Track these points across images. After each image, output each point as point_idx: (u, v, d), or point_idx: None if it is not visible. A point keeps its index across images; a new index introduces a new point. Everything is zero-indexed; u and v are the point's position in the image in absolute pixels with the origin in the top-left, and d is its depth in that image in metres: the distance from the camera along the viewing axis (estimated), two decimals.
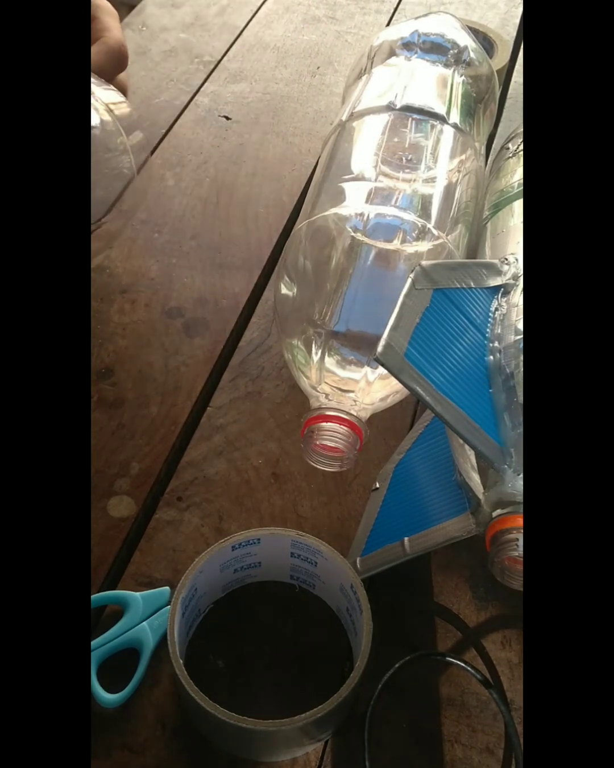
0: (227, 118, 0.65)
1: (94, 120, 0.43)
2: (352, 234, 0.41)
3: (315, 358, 0.39)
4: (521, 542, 0.29)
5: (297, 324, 0.41)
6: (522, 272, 0.38)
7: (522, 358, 0.33)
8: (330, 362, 0.39)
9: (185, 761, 0.34)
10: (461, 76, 0.51)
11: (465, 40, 0.53)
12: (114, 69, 0.47)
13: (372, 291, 0.40)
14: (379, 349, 0.28)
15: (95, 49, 0.46)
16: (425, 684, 0.36)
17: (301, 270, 0.42)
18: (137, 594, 0.37)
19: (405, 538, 0.35)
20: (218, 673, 0.36)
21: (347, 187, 0.43)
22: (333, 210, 0.42)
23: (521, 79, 0.70)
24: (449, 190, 0.44)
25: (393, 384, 0.40)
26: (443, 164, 0.46)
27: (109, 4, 0.49)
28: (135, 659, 0.35)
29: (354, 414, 0.38)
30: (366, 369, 0.39)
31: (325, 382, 0.39)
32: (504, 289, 0.37)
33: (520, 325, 0.34)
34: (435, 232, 0.41)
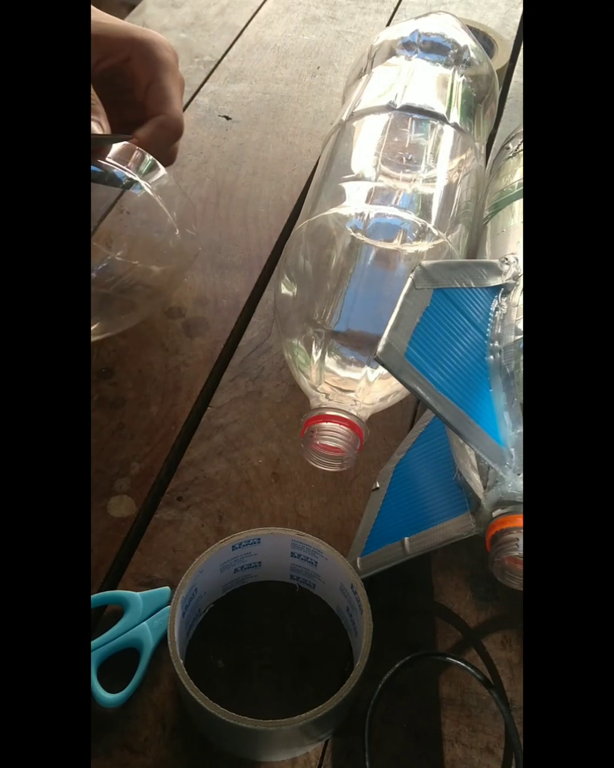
0: (227, 118, 0.65)
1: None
2: (352, 234, 0.41)
3: (316, 357, 0.39)
4: (521, 542, 0.29)
5: (297, 324, 0.41)
6: (522, 272, 0.38)
7: (522, 358, 0.33)
8: (330, 362, 0.39)
9: (185, 761, 0.34)
10: (461, 75, 0.51)
11: (466, 39, 0.53)
12: (169, 143, 0.48)
13: (372, 291, 0.40)
14: (379, 348, 0.28)
15: (153, 128, 0.47)
16: (425, 684, 0.36)
17: (301, 270, 0.42)
18: (137, 594, 0.37)
19: (405, 538, 0.35)
20: (218, 673, 0.36)
21: (347, 186, 0.43)
22: (334, 210, 0.42)
23: (521, 79, 0.70)
24: (449, 190, 0.44)
25: (394, 384, 0.40)
26: (443, 164, 0.46)
27: (176, 74, 0.49)
28: (135, 659, 0.35)
29: (355, 414, 0.38)
30: (367, 369, 0.39)
31: (325, 382, 0.39)
32: (504, 289, 0.37)
33: (520, 325, 0.34)
34: (435, 231, 0.41)
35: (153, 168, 0.45)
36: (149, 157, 0.45)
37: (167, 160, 0.49)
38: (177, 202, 0.45)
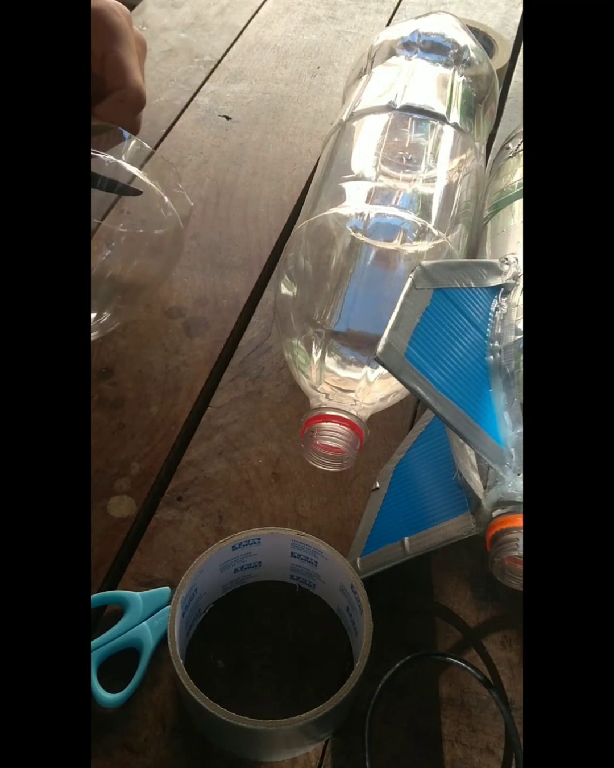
0: (227, 117, 0.65)
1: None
2: (352, 234, 0.41)
3: (316, 357, 0.39)
4: (521, 542, 0.29)
5: (297, 324, 0.41)
6: (522, 272, 0.38)
7: (522, 358, 0.33)
8: (330, 362, 0.39)
9: (185, 761, 0.34)
10: (461, 75, 0.51)
11: (466, 39, 0.53)
12: (132, 115, 0.47)
13: (372, 291, 0.40)
14: (379, 348, 0.28)
15: (112, 103, 0.46)
16: (425, 684, 0.36)
17: (301, 270, 0.42)
18: (137, 594, 0.37)
19: (405, 538, 0.35)
20: (218, 673, 0.36)
21: (347, 186, 0.43)
22: (334, 210, 0.42)
23: (521, 79, 0.70)
24: (449, 190, 0.44)
25: (394, 384, 0.40)
26: (443, 164, 0.46)
27: (136, 35, 0.48)
28: (135, 659, 0.35)
29: (355, 414, 0.38)
30: (367, 369, 0.39)
31: (326, 382, 0.39)
32: (504, 289, 0.37)
33: (520, 325, 0.34)
34: (435, 231, 0.41)
35: (122, 139, 0.44)
36: (118, 130, 0.44)
37: (130, 131, 0.48)
38: (153, 167, 0.44)
